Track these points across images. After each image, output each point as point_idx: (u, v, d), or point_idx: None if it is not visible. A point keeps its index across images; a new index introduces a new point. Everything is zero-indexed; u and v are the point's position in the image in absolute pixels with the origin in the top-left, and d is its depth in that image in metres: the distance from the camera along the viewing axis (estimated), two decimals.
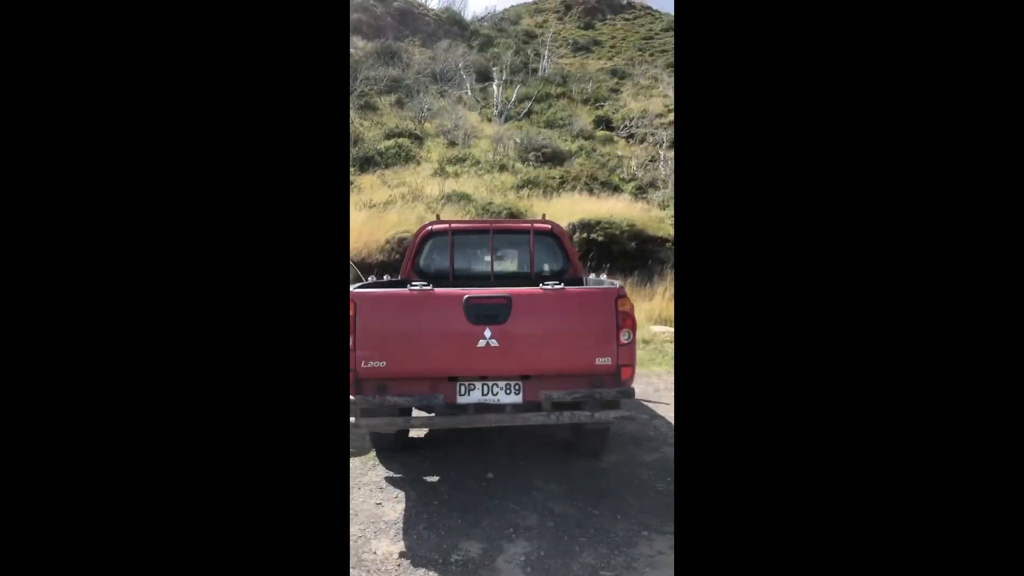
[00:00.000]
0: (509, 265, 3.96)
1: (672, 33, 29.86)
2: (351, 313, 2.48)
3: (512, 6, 34.76)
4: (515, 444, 3.43)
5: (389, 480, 2.93)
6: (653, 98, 21.52)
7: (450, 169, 13.89)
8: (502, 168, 14.22)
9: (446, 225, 3.77)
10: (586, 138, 17.24)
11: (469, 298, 2.51)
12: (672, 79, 23.87)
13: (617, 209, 11.03)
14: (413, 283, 3.42)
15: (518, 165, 14.53)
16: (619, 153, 16.50)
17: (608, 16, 32.42)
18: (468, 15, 28.84)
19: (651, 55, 26.95)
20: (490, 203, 10.44)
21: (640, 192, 12.81)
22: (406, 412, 2.87)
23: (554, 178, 13.16)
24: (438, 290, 2.59)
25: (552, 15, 32.90)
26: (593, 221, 10.00)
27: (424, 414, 2.83)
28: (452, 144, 16.12)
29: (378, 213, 10.05)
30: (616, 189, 13.02)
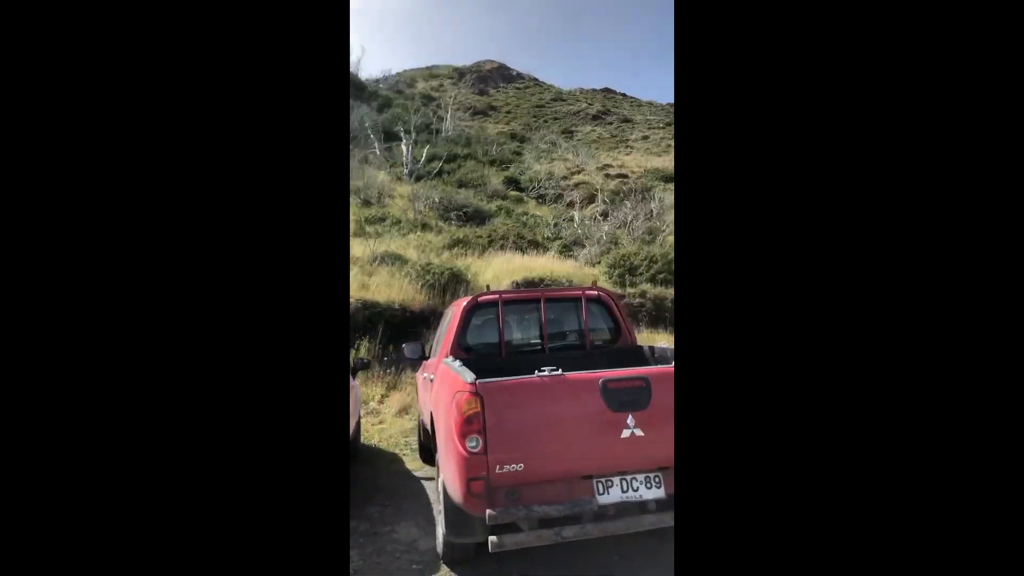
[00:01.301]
0: (563, 335, 3.70)
1: (561, 103, 32.17)
2: (478, 408, 2.08)
3: (406, 70, 35.50)
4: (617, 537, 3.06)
5: None
6: (555, 161, 22.72)
7: (370, 229, 13.33)
8: (424, 227, 13.95)
9: (495, 296, 3.45)
10: (502, 198, 17.59)
11: (606, 381, 2.22)
12: (568, 144, 25.52)
13: (551, 267, 11.19)
14: (462, 358, 3.06)
15: (441, 224, 14.35)
16: (535, 213, 16.99)
17: (500, 85, 34.24)
18: (363, 75, 28.87)
19: (545, 121, 28.68)
20: (429, 263, 10.08)
21: (566, 250, 13.18)
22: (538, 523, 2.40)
23: (482, 237, 13.13)
24: (570, 374, 2.26)
25: (447, 80, 34.04)
26: (536, 278, 10.01)
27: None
28: (367, 203, 15.58)
29: None
30: (541, 247, 13.28)
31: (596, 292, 3.63)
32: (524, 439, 2.12)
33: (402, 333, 8.35)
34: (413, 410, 6.60)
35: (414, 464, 4.86)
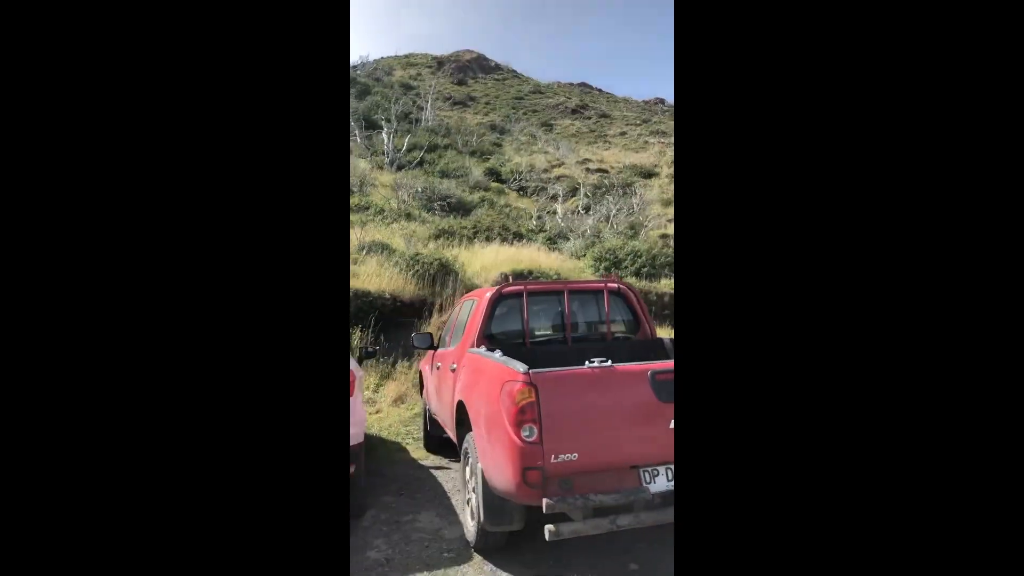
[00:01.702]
0: (582, 326, 3.73)
1: (539, 96, 32.14)
2: (532, 399, 2.09)
3: (384, 57, 34.88)
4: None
5: None
6: (535, 154, 22.74)
7: (354, 217, 13.11)
8: (408, 217, 13.80)
9: (519, 287, 3.46)
10: (484, 189, 17.52)
11: (654, 373, 2.26)
12: (547, 137, 25.55)
13: (538, 259, 11.23)
14: (487, 348, 3.06)
15: (424, 214, 14.22)
16: (517, 204, 16.99)
17: (479, 75, 33.97)
18: None
19: (524, 114, 28.62)
20: (417, 254, 9.99)
21: (551, 243, 13.23)
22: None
23: (467, 228, 13.08)
24: (620, 366, 2.29)
25: (425, 69, 33.59)
26: (524, 270, 10.04)
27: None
28: (350, 192, 15.32)
29: None
30: (526, 239, 13.31)
31: (617, 285, 3.68)
32: (577, 429, 2.14)
33: (392, 323, 8.29)
34: (410, 399, 6.57)
35: (419, 453, 4.85)
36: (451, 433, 3.46)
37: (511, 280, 3.88)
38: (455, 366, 3.30)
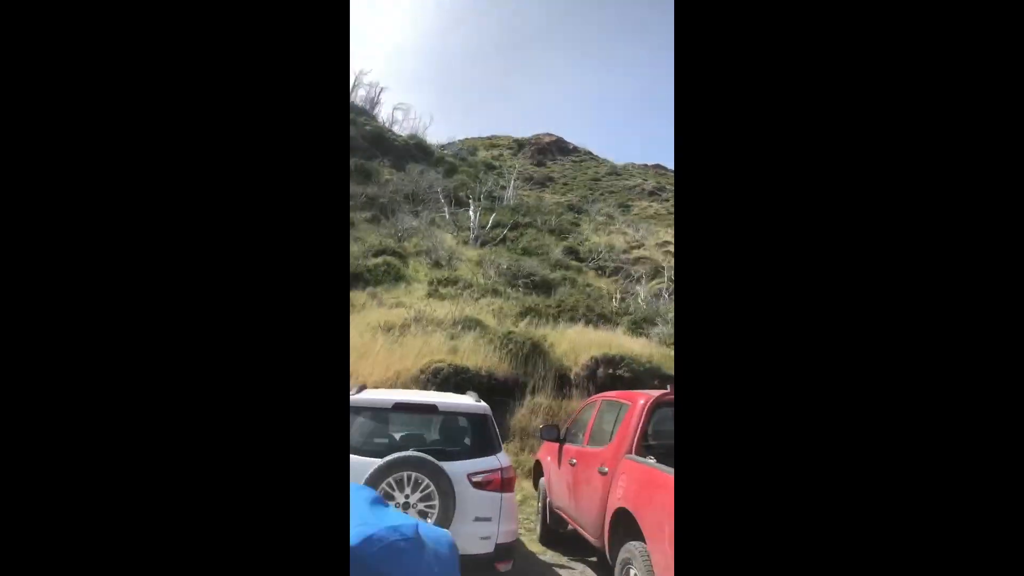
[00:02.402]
0: None
1: (616, 177, 33.01)
2: None
3: (468, 138, 37.31)
4: None
5: None
6: (612, 234, 23.11)
7: (445, 291, 13.66)
8: (495, 293, 14.21)
9: (668, 394, 3.52)
10: (564, 268, 17.87)
11: None
12: (625, 218, 25.99)
13: (626, 344, 11.15)
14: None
15: (509, 291, 14.60)
16: (596, 284, 17.16)
17: (557, 157, 35.53)
18: (431, 140, 30.45)
19: (601, 195, 29.40)
20: (510, 332, 10.21)
21: (636, 327, 13.15)
22: None
23: (551, 307, 13.27)
24: None
25: (506, 150, 35.56)
26: (617, 357, 9.98)
27: None
28: (437, 265, 16.06)
29: (396, 339, 9.47)
30: (611, 322, 13.30)
31: None
32: None
33: (490, 399, 8.41)
34: (517, 485, 6.54)
35: (535, 547, 4.78)
36: (593, 536, 3.44)
37: (657, 385, 3.92)
38: (606, 469, 3.33)
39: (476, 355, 9.06)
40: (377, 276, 14.00)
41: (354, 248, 15.60)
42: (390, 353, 8.55)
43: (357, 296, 12.61)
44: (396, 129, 30.50)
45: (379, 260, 14.82)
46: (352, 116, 26.58)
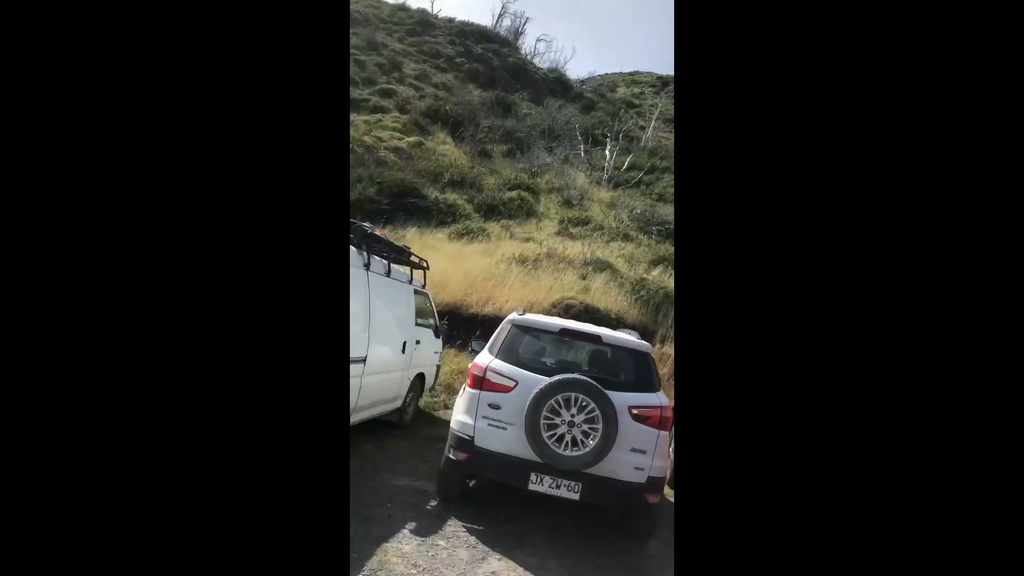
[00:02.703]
0: None
1: None
2: None
3: (609, 73, 35.65)
4: None
5: None
6: None
7: (575, 231, 13.64)
8: (626, 237, 13.92)
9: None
10: None
11: None
12: None
13: None
14: None
15: (641, 237, 14.22)
16: None
17: None
18: (571, 75, 29.56)
19: None
20: (643, 279, 10.03)
21: None
22: None
23: None
24: None
25: (648, 88, 33.52)
26: None
27: None
28: (568, 204, 15.99)
29: (528, 271, 9.74)
30: None
31: None
32: None
33: None
34: None
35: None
36: None
37: None
38: None
39: (607, 297, 9.08)
40: (511, 210, 14.29)
41: (490, 180, 15.97)
42: (524, 285, 8.84)
43: (492, 227, 13.04)
44: (537, 61, 29.93)
45: (513, 194, 15.06)
46: (496, 47, 26.45)
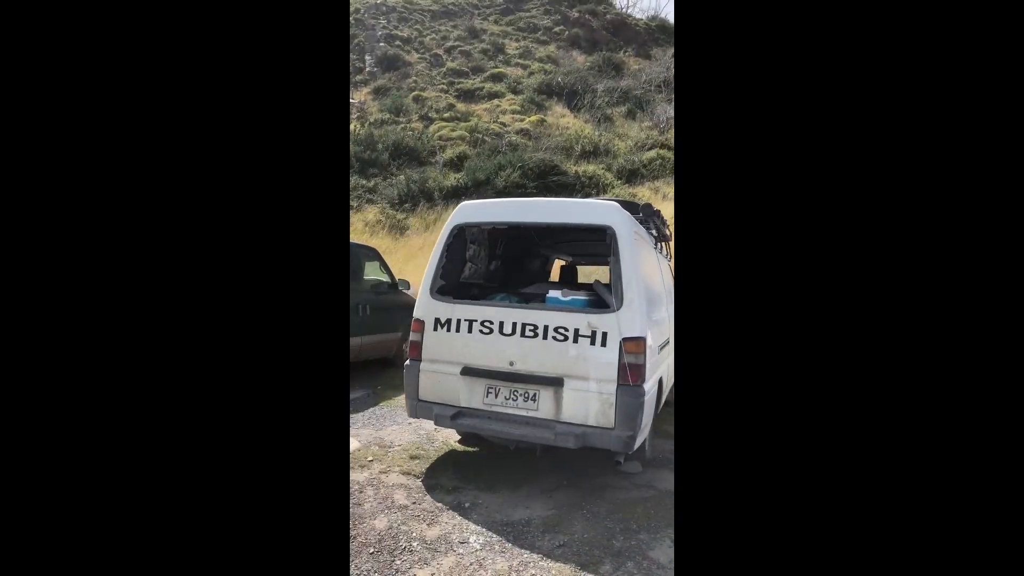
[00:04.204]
0: None
1: None
2: None
3: None
4: None
5: None
6: None
7: None
8: None
9: None
10: None
11: None
12: None
13: None
14: None
15: None
16: None
17: None
18: (671, 19, 27.87)
19: None
20: None
21: None
22: None
23: None
24: None
25: None
26: None
27: None
28: None
29: None
30: None
31: None
32: None
33: None
34: None
35: None
36: None
37: None
38: None
39: None
40: (654, 170, 13.89)
41: (620, 144, 15.61)
42: None
43: (641, 191, 12.76)
44: (636, 13, 28.60)
45: (652, 154, 14.60)
46: (590, 7, 25.60)
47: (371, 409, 4.70)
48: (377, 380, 5.59)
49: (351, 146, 14.68)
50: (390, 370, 5.92)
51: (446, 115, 17.95)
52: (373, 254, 5.96)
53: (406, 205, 13.24)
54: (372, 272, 5.82)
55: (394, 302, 5.90)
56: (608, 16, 25.25)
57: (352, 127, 16.55)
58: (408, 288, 6.08)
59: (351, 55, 21.27)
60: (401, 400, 4.85)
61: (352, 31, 23.01)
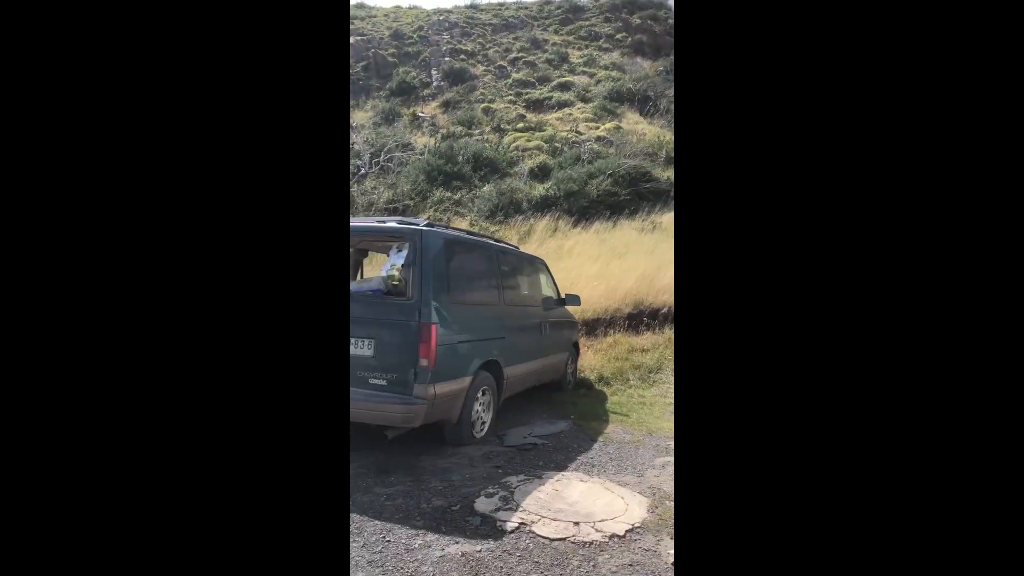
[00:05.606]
0: None
1: None
2: None
3: None
4: None
5: None
6: None
7: None
8: None
9: None
10: None
11: None
12: None
13: None
14: None
15: None
16: None
17: None
18: None
19: None
20: None
21: None
22: None
23: None
24: None
25: None
26: None
27: None
28: None
29: None
30: None
31: None
32: None
33: None
34: None
35: None
36: None
37: None
38: None
39: None
40: None
41: None
42: None
43: None
44: None
45: None
46: (651, 12, 25.36)
47: (595, 447, 4.09)
48: (569, 410, 5.13)
49: (428, 158, 14.77)
50: (559, 395, 5.62)
51: (519, 126, 17.93)
52: (543, 266, 5.76)
53: (498, 217, 13.20)
54: (546, 286, 5.64)
55: (562, 318, 5.72)
56: (669, 21, 24.97)
57: (425, 140, 16.70)
58: (578, 303, 5.89)
59: (417, 71, 21.57)
60: (615, 432, 4.58)
61: (417, 48, 23.39)
